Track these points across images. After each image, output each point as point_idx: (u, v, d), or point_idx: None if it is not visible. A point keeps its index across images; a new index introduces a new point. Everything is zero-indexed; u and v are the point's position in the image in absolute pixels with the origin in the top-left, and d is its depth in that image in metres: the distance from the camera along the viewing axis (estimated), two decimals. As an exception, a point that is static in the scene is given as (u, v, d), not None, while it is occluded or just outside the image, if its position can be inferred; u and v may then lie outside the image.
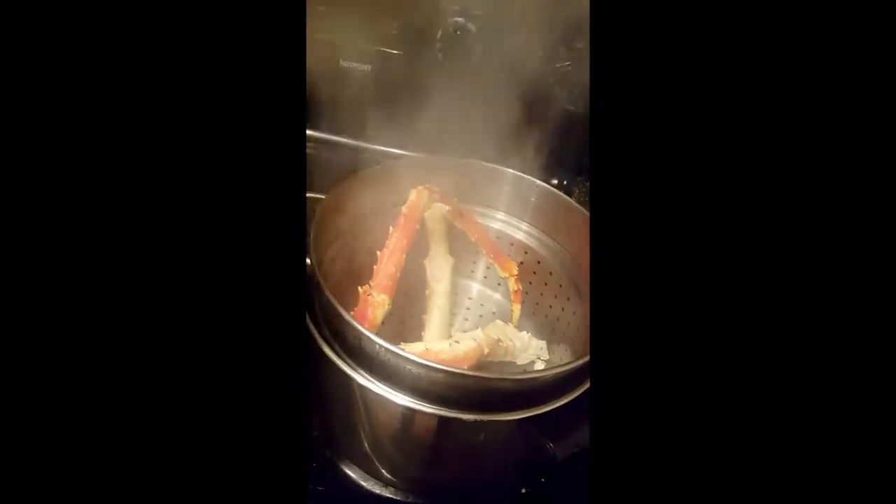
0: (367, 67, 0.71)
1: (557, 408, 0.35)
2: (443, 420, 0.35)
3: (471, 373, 0.34)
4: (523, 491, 0.46)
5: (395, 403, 0.34)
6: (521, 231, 0.49)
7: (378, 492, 0.45)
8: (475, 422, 0.34)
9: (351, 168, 0.46)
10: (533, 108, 0.62)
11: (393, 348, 0.32)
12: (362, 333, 0.33)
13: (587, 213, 0.45)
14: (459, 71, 0.67)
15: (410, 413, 0.35)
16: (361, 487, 0.45)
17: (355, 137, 0.69)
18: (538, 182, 0.46)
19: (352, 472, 0.46)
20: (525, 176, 0.46)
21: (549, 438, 0.34)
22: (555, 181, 0.67)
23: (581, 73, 0.71)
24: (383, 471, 0.44)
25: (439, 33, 0.68)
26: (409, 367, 0.33)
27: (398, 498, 0.45)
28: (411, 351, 0.40)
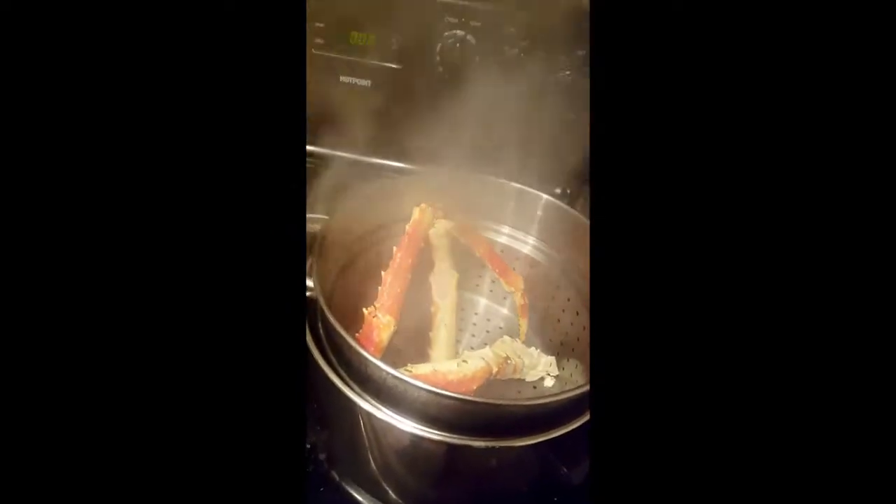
0: (367, 83, 0.70)
1: (570, 431, 0.34)
2: (452, 447, 0.34)
3: (482, 399, 0.33)
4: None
5: (402, 430, 0.34)
6: (527, 245, 0.48)
7: None
8: (486, 448, 0.33)
9: (354, 184, 0.46)
10: (535, 118, 0.61)
11: (402, 376, 0.32)
12: (368, 361, 0.32)
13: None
14: (460, 83, 0.67)
15: (418, 440, 0.34)
16: None
17: (356, 152, 0.69)
18: (543, 195, 0.45)
19: (360, 496, 0.45)
20: (530, 190, 0.45)
21: (563, 462, 0.33)
22: (558, 189, 0.66)
23: (582, 80, 0.70)
24: (392, 495, 0.43)
25: (439, 46, 0.68)
26: (417, 393, 0.32)
27: None
28: (419, 372, 0.40)
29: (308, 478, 0.45)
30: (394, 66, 0.69)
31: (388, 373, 0.32)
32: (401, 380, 0.32)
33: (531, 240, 0.48)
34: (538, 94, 0.64)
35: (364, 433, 0.37)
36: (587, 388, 0.33)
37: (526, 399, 0.32)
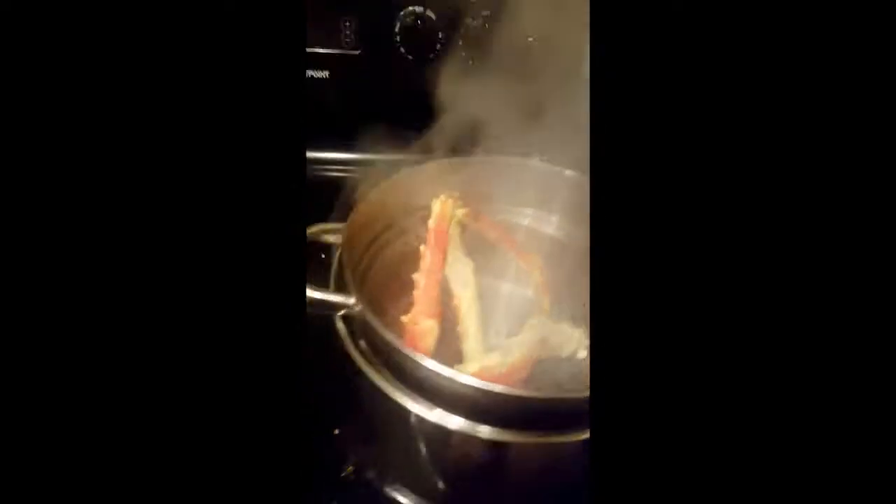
0: (325, 74, 0.66)
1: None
2: (511, 444, 0.32)
3: (544, 395, 0.32)
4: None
5: (457, 431, 0.32)
6: (551, 225, 0.47)
7: None
8: (549, 443, 0.32)
9: (353, 185, 0.43)
10: (511, 88, 0.59)
11: (471, 381, 0.30)
12: (422, 364, 0.30)
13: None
14: (425, 63, 0.64)
15: (475, 439, 0.32)
16: None
17: (332, 150, 0.65)
18: (566, 171, 0.44)
19: (405, 499, 0.43)
20: (551, 166, 0.44)
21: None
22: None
23: (547, 47, 0.69)
24: (440, 497, 0.42)
25: (397, 26, 0.64)
26: (477, 395, 0.30)
27: None
28: (468, 371, 0.38)
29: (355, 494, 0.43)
30: (353, 53, 0.65)
31: (443, 375, 0.30)
32: (459, 382, 0.30)
33: (555, 218, 0.47)
34: (507, 63, 0.62)
35: (417, 438, 0.35)
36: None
37: (578, 392, 0.31)
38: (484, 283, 0.52)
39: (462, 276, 0.48)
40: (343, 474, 0.45)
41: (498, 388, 0.29)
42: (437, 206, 0.40)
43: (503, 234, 0.47)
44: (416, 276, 0.39)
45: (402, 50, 0.65)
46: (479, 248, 0.48)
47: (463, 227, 0.47)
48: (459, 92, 0.55)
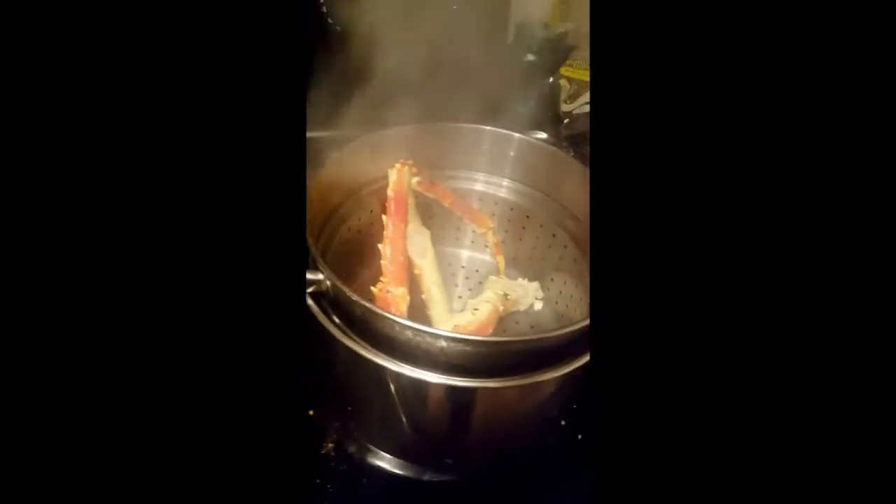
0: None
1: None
2: (486, 390, 0.34)
3: (522, 337, 0.34)
4: (563, 423, 0.48)
5: (436, 384, 0.33)
6: (502, 188, 0.49)
7: (414, 476, 0.45)
8: (523, 385, 0.34)
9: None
10: (438, 56, 0.60)
11: (446, 333, 0.31)
12: (405, 325, 0.30)
13: (560, 152, 0.46)
14: (355, 30, 0.62)
15: (452, 390, 0.34)
16: (399, 476, 0.44)
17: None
18: (515, 134, 0.45)
19: (387, 465, 0.44)
20: (501, 130, 0.45)
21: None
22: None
23: (473, 12, 0.69)
24: (421, 453, 0.44)
25: (322, -4, 0.61)
26: (457, 346, 0.31)
27: (439, 479, 0.45)
28: (443, 329, 0.39)
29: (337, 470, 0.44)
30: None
31: (427, 332, 0.31)
32: (435, 335, 0.31)
33: (506, 182, 0.48)
34: (438, 26, 0.62)
35: (395, 395, 0.36)
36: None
37: (561, 328, 0.33)
38: (441, 250, 0.53)
39: (420, 246, 0.48)
40: (323, 451, 0.45)
41: (485, 338, 0.31)
42: (394, 174, 0.40)
43: (456, 200, 0.48)
44: (380, 246, 0.39)
45: (330, 21, 0.63)
46: (433, 217, 0.49)
47: (416, 195, 0.47)
48: (387, 61, 0.54)
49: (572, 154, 0.76)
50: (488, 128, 0.45)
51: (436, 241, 0.49)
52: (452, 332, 0.39)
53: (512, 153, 0.46)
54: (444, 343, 0.31)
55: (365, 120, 0.52)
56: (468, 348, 0.31)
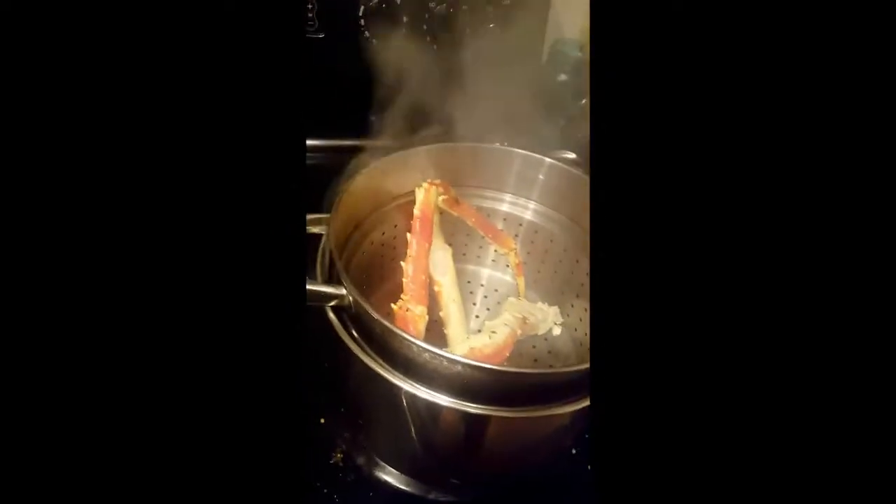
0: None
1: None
2: (497, 419, 0.34)
3: (538, 371, 0.33)
4: (574, 452, 0.48)
5: (449, 408, 0.33)
6: (528, 210, 0.49)
7: (420, 493, 0.45)
8: (532, 418, 0.34)
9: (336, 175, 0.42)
10: (471, 74, 0.60)
11: (463, 360, 0.31)
12: (423, 348, 0.31)
13: (588, 179, 0.45)
14: (392, 46, 0.63)
15: (464, 415, 0.33)
16: (404, 492, 0.44)
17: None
18: (546, 159, 0.45)
19: (394, 480, 0.44)
20: (531, 154, 0.45)
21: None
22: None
23: (509, 31, 0.70)
24: (429, 473, 0.44)
25: (361, 9, 0.63)
26: (476, 375, 0.31)
27: (445, 498, 0.45)
28: (457, 353, 0.39)
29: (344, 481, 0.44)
30: (318, 36, 0.63)
31: (444, 357, 0.31)
32: (452, 360, 0.31)
33: (532, 205, 0.48)
34: (477, 45, 0.62)
35: (406, 414, 0.36)
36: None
37: (577, 366, 0.33)
38: (462, 267, 0.53)
39: (441, 264, 0.48)
40: (332, 461, 0.46)
41: (503, 368, 0.30)
42: (421, 194, 0.40)
43: (480, 219, 0.48)
44: (403, 264, 0.39)
45: (367, 34, 0.64)
46: (456, 234, 0.49)
47: (441, 212, 0.48)
48: (423, 76, 0.55)
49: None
50: (519, 150, 0.45)
51: (458, 257, 0.49)
52: (468, 355, 0.39)
53: (541, 176, 0.46)
54: (460, 368, 0.31)
55: (397, 132, 0.53)
56: (484, 376, 0.31)
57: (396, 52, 0.62)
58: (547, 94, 0.77)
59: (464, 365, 0.30)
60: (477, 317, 0.52)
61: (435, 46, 0.65)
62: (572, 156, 0.76)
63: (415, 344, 0.31)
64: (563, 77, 0.75)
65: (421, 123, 0.53)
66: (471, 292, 0.54)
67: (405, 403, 0.35)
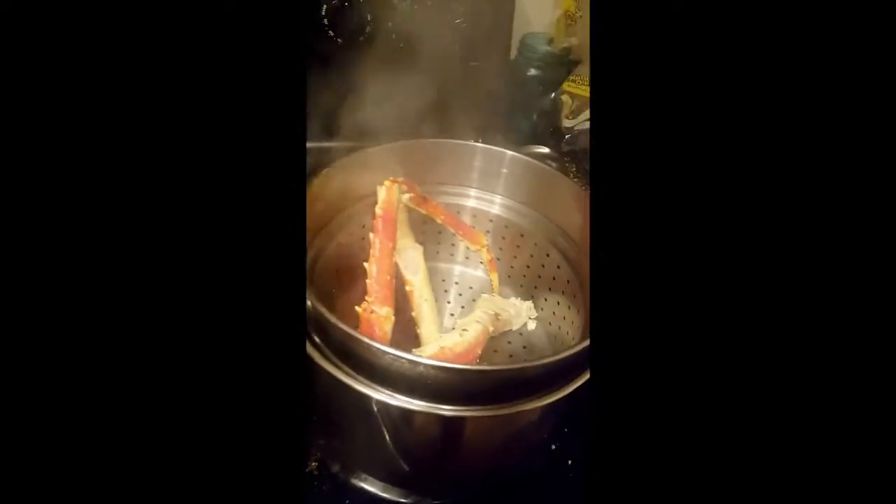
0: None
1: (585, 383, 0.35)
2: (471, 419, 0.33)
3: (503, 367, 0.33)
4: (553, 447, 0.47)
5: (422, 412, 0.32)
6: (495, 205, 0.48)
7: (398, 499, 0.44)
8: (506, 415, 0.33)
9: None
10: (441, 71, 0.59)
11: (425, 360, 0.30)
12: (384, 351, 0.30)
13: (551, 170, 0.45)
14: (356, 46, 0.62)
15: (435, 418, 0.33)
16: (383, 499, 0.43)
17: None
18: (508, 151, 0.44)
19: (371, 487, 0.43)
20: (492, 147, 0.44)
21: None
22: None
23: (477, 27, 0.69)
24: (407, 478, 0.43)
25: (324, 8, 0.61)
26: (441, 376, 0.31)
27: (424, 502, 0.44)
28: (427, 353, 0.39)
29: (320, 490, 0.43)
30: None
31: (405, 359, 0.30)
32: (413, 361, 0.30)
33: (498, 199, 0.48)
34: (438, 46, 0.62)
35: (377, 420, 0.35)
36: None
37: (548, 357, 0.32)
38: (434, 266, 0.53)
39: (412, 262, 0.48)
40: (307, 469, 0.45)
41: (466, 366, 0.30)
42: (382, 192, 0.39)
43: (449, 217, 0.47)
44: (366, 265, 0.38)
45: (331, 33, 0.63)
46: (427, 233, 0.48)
47: (409, 211, 0.47)
48: (389, 75, 0.54)
49: (574, 170, 0.75)
50: (479, 144, 0.45)
51: (429, 256, 0.48)
52: (438, 355, 0.38)
53: (504, 170, 0.45)
54: (422, 369, 0.30)
55: (362, 133, 0.52)
56: (449, 376, 0.31)
57: (361, 52, 0.62)
58: (517, 88, 0.77)
59: (425, 366, 0.30)
60: (452, 315, 0.51)
61: (401, 45, 0.64)
62: (545, 150, 0.76)
63: (375, 347, 0.30)
64: (532, 72, 0.75)
65: (389, 123, 0.52)
66: (445, 291, 0.53)
67: (375, 410, 0.34)
